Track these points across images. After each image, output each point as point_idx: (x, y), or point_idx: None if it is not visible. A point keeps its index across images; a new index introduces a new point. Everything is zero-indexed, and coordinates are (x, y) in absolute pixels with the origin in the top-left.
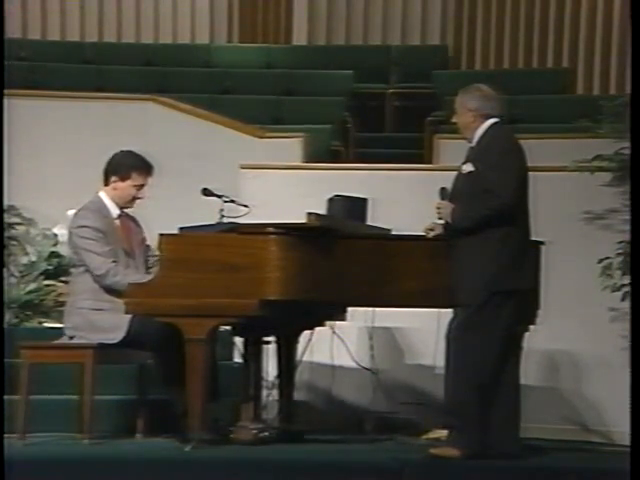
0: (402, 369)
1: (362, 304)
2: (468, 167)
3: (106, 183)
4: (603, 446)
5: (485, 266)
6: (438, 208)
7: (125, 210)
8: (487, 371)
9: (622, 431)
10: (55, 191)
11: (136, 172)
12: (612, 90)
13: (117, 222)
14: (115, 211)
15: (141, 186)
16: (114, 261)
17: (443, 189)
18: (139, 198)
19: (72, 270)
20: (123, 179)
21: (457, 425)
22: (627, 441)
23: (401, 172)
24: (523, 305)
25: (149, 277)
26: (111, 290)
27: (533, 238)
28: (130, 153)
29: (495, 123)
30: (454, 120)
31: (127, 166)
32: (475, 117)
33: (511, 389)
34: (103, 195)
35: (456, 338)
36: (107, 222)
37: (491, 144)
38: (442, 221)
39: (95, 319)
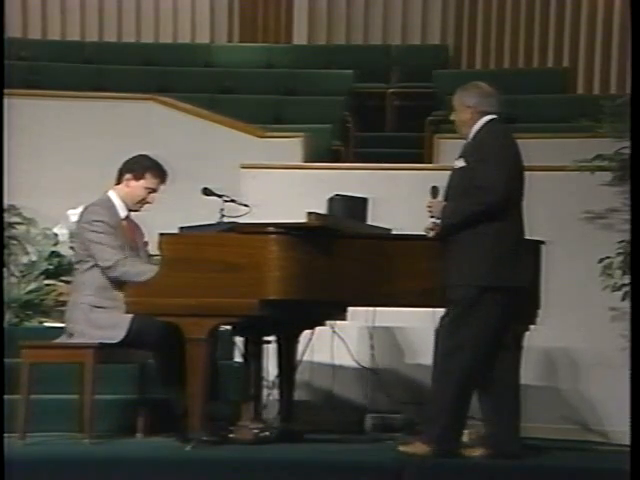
0: (402, 369)
1: (362, 304)
2: (460, 162)
3: (119, 181)
4: (603, 446)
5: (476, 262)
6: (429, 206)
7: (131, 212)
8: (476, 368)
9: (622, 431)
10: (55, 191)
11: (151, 174)
12: (612, 90)
13: (124, 222)
14: (123, 212)
15: (152, 190)
16: (123, 254)
17: (434, 187)
18: (148, 202)
19: (77, 267)
20: (137, 178)
21: (429, 420)
22: (627, 441)
23: (401, 172)
24: (517, 303)
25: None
26: (119, 284)
27: (534, 238)
28: (147, 156)
29: (491, 120)
30: (452, 118)
31: (143, 166)
32: (473, 114)
33: (510, 389)
34: (112, 194)
35: (448, 334)
36: (116, 220)
37: (484, 140)
38: (439, 220)
39: (95, 317)
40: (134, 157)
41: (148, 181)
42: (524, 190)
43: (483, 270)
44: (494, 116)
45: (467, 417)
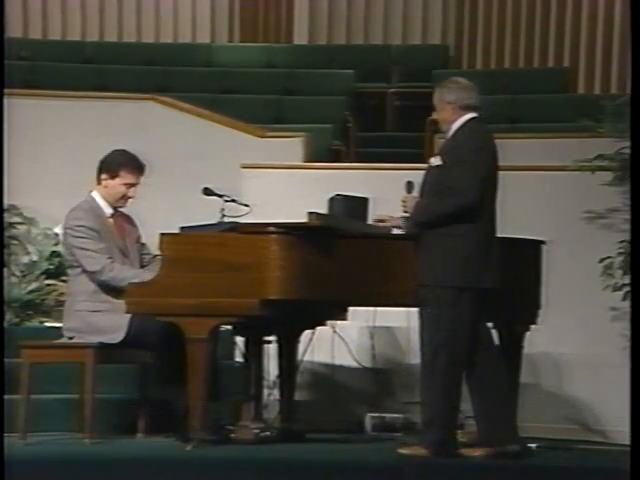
0: (403, 369)
1: (363, 303)
2: (436, 161)
3: (98, 182)
4: (603, 446)
5: (446, 262)
6: (403, 202)
7: (119, 209)
8: (460, 368)
9: (622, 431)
10: (56, 190)
11: (125, 170)
12: (613, 89)
13: (110, 221)
14: (108, 210)
15: (131, 185)
16: (109, 258)
17: (409, 182)
18: (130, 197)
19: (69, 271)
20: (112, 177)
21: (424, 424)
22: (627, 440)
23: (401, 172)
24: (491, 303)
25: (146, 274)
26: (109, 289)
27: (534, 237)
28: (121, 152)
29: (472, 118)
30: (434, 117)
31: (116, 164)
32: (454, 109)
33: (501, 388)
34: (95, 194)
35: (428, 336)
36: (100, 221)
37: (462, 140)
38: (407, 214)
39: (94, 321)
40: (108, 155)
41: (124, 178)
42: (497, 191)
43: (453, 270)
44: (475, 115)
45: (459, 416)
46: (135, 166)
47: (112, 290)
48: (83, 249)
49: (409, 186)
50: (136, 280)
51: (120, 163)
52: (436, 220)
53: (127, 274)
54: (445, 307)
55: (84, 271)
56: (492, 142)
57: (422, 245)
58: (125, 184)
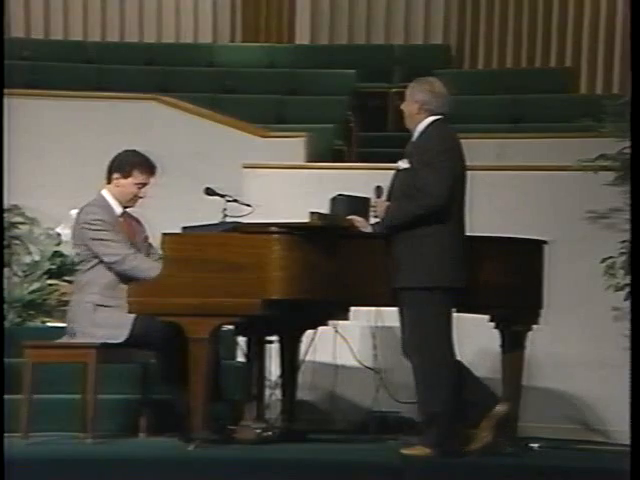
0: (405, 369)
1: (365, 303)
2: (404, 164)
3: (108, 181)
4: (603, 445)
5: (417, 262)
6: (373, 206)
7: (127, 209)
8: (444, 369)
9: (624, 430)
10: (58, 191)
11: (138, 170)
12: (615, 89)
13: (121, 220)
14: (118, 209)
15: (143, 185)
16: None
17: (378, 187)
18: (141, 197)
19: (79, 267)
20: (125, 176)
21: (424, 423)
22: (627, 440)
23: None
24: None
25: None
26: (125, 281)
27: (537, 237)
28: (133, 152)
29: (437, 120)
30: (401, 107)
31: (129, 164)
32: (419, 110)
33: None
34: (106, 193)
35: (415, 340)
36: (113, 218)
37: (428, 142)
38: (377, 219)
39: (98, 316)
40: (120, 154)
41: (136, 178)
42: (466, 189)
43: (425, 270)
44: (439, 116)
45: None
46: (148, 166)
47: (128, 282)
48: (102, 240)
49: (378, 191)
50: (157, 271)
51: (133, 163)
52: (407, 222)
53: (150, 264)
54: (426, 308)
55: (99, 264)
56: (458, 143)
57: (395, 248)
58: (137, 184)
